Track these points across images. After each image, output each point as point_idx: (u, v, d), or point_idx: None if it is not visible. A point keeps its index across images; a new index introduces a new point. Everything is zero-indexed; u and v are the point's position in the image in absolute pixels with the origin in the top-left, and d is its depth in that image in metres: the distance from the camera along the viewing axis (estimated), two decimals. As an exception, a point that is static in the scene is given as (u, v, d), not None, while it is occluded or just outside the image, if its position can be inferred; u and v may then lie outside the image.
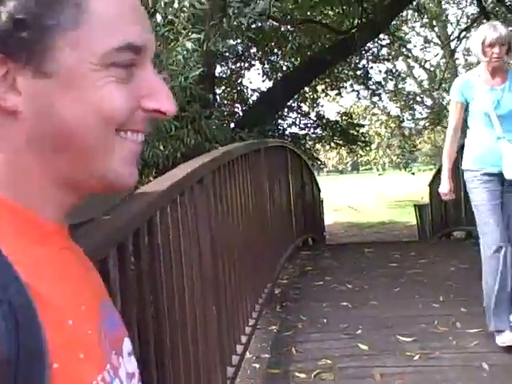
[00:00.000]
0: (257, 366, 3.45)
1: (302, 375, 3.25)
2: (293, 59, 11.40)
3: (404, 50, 17.61)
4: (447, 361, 3.34)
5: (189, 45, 4.80)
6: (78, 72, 0.58)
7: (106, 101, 0.59)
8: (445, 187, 3.71)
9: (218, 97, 9.65)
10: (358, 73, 13.38)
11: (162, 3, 5.15)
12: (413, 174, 18.14)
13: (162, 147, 5.17)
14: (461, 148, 3.94)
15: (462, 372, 3.18)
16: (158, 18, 5.52)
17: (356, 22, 10.60)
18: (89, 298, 0.63)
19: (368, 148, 15.82)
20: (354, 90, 14.96)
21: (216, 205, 2.86)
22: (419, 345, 3.57)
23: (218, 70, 9.62)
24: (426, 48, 21.03)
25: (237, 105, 11.22)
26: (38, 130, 0.59)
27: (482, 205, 3.54)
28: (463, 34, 16.18)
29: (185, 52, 4.80)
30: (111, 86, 0.59)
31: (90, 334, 0.60)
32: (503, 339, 3.38)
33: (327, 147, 15.04)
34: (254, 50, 10.78)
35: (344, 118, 14.18)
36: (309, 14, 10.54)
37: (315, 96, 13.55)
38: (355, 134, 13.37)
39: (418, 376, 3.18)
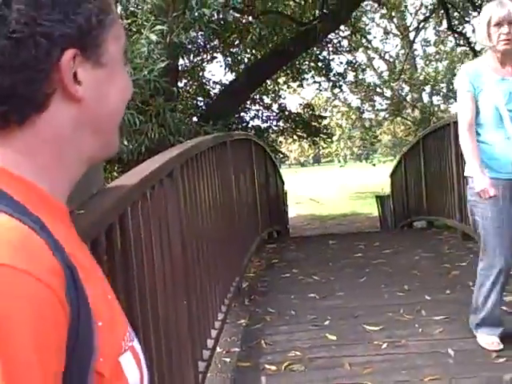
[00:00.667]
0: (227, 359, 3.45)
1: (273, 367, 3.26)
2: (254, 51, 11.37)
3: (364, 41, 17.78)
4: (414, 348, 3.40)
5: (153, 37, 4.74)
6: (117, 61, 0.71)
7: (129, 85, 0.74)
8: (483, 183, 3.02)
9: (180, 90, 9.55)
10: (320, 64, 13.44)
11: (124, -6, 5.08)
12: (374, 165, 18.41)
13: (126, 142, 5.11)
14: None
15: (429, 359, 3.24)
16: (119, 9, 5.43)
17: (317, 12, 10.62)
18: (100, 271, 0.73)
19: (330, 140, 15.94)
20: (315, 82, 15.06)
21: (185, 198, 2.84)
22: (386, 333, 3.62)
23: (180, 62, 9.53)
24: (385, 39, 21.30)
25: (200, 98, 11.14)
26: (91, 115, 0.68)
27: (489, 222, 3.06)
28: (422, 24, 16.42)
29: (148, 44, 4.74)
30: (126, 71, 0.73)
31: (115, 300, 0.70)
32: (489, 342, 3.25)
33: (289, 140, 15.10)
34: (216, 42, 10.72)
35: (306, 110, 14.24)
36: (270, 4, 10.52)
37: (277, 88, 13.57)
38: (317, 126, 13.45)
39: (386, 364, 3.23)
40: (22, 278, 0.55)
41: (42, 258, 0.58)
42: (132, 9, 5.27)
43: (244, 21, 10.61)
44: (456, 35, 13.94)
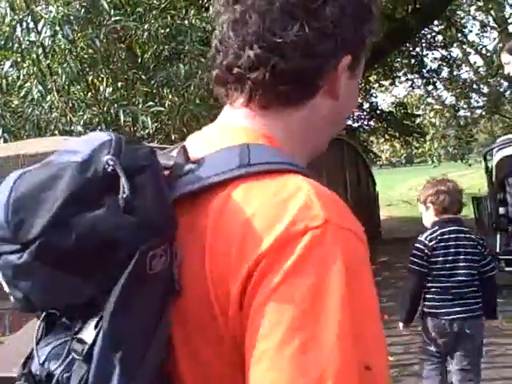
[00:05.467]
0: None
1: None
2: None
3: (459, 35, 17.16)
4: None
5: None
6: (359, 77, 0.82)
7: (357, 100, 0.89)
8: None
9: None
10: (412, 61, 13.12)
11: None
12: (469, 165, 17.71)
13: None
14: None
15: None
16: (212, 12, 5.54)
17: (410, 7, 10.36)
18: None
19: (423, 139, 15.51)
20: (407, 79, 14.70)
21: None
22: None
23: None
24: (482, 33, 20.44)
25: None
26: (337, 113, 0.80)
27: None
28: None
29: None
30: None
31: None
32: None
33: (381, 139, 14.83)
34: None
35: (398, 108, 13.93)
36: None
37: (368, 87, 13.36)
38: (410, 124, 13.13)
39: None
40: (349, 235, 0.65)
41: (353, 217, 0.68)
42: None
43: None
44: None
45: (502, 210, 5.26)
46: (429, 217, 2.89)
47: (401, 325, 2.87)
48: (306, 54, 0.73)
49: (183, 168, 0.70)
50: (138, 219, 0.62)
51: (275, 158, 0.70)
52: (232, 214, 0.65)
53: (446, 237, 2.77)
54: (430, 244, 2.77)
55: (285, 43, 0.72)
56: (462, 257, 2.77)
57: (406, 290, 2.87)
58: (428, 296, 2.78)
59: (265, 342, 0.60)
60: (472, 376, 2.77)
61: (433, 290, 2.76)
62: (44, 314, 0.67)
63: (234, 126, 0.76)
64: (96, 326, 0.61)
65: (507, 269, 4.62)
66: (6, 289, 0.64)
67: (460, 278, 2.74)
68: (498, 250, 5.38)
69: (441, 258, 2.76)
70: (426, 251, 2.77)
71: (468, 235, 2.85)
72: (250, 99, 0.75)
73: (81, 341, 0.62)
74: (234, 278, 0.62)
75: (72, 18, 3.84)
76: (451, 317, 2.71)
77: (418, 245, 2.82)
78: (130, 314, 0.61)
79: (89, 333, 0.62)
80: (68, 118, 3.82)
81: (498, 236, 5.42)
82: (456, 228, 2.82)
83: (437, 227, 2.81)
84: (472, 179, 16.33)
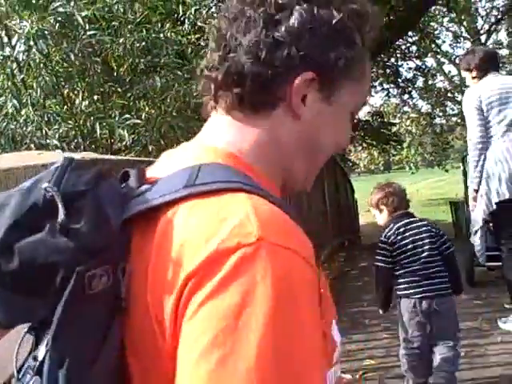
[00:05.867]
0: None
1: (348, 375, 3.22)
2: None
3: (433, 46, 17.42)
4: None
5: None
6: (343, 109, 0.81)
7: (344, 137, 0.85)
8: None
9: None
10: (387, 71, 13.28)
11: (192, 10, 5.19)
12: (446, 171, 17.93)
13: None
14: None
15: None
16: (187, 25, 5.56)
17: (384, 19, 10.51)
18: None
19: (400, 147, 15.67)
20: (383, 89, 14.88)
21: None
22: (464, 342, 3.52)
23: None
24: (455, 43, 20.77)
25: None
26: (307, 138, 0.79)
27: None
28: (493, 26, 15.94)
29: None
30: (348, 125, 0.85)
31: (325, 283, 0.76)
32: None
33: (359, 148, 14.96)
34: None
35: (375, 117, 14.08)
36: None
37: (345, 96, 13.48)
38: (387, 133, 13.27)
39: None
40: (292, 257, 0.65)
41: (300, 237, 0.68)
42: (200, 24, 5.38)
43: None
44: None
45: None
46: (383, 217, 3.21)
47: (380, 311, 3.20)
48: (258, 58, 0.74)
49: (137, 189, 0.73)
50: (74, 242, 0.64)
51: (224, 177, 0.71)
52: (173, 234, 0.67)
53: (402, 229, 3.09)
54: (390, 240, 3.09)
55: (240, 46, 0.75)
56: (420, 242, 3.08)
57: (377, 284, 3.20)
58: (399, 281, 3.07)
59: (186, 355, 0.61)
60: (452, 349, 2.99)
61: (402, 275, 3.07)
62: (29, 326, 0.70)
63: (198, 145, 0.80)
64: (46, 344, 0.63)
65: (487, 264, 4.76)
66: None
67: (423, 260, 3.05)
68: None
69: (403, 248, 3.07)
70: (388, 248, 3.09)
71: (420, 223, 3.17)
72: (216, 101, 0.80)
73: (35, 358, 0.65)
74: (169, 294, 0.64)
75: (46, 32, 3.84)
76: (421, 295, 3.00)
77: (380, 244, 3.14)
78: (72, 332, 0.63)
79: (41, 351, 0.64)
80: (43, 131, 3.81)
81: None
82: (408, 220, 3.15)
83: (392, 224, 3.13)
84: (449, 184, 16.54)
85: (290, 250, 0.64)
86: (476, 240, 4.13)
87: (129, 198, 0.72)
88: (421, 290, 3.00)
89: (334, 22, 0.76)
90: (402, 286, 3.07)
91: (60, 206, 0.65)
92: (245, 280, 0.61)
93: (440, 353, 2.98)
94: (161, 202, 0.69)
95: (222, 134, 0.79)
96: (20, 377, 0.66)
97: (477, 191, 4.02)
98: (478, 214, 4.04)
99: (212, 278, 0.62)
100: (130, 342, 0.67)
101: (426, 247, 3.07)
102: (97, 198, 0.68)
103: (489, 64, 4.02)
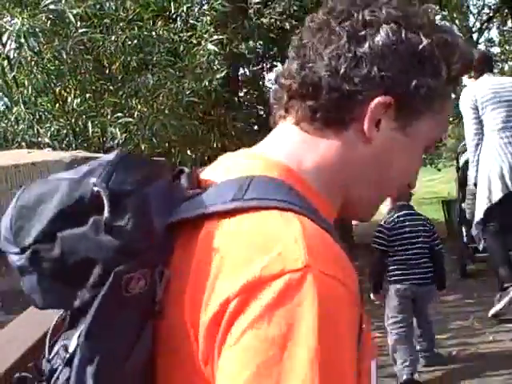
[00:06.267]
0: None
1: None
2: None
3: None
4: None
5: (212, 47, 4.82)
6: (419, 142, 0.77)
7: (414, 172, 0.81)
8: None
9: (241, 99, 9.65)
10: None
11: (184, 8, 5.17)
12: (439, 170, 17.98)
13: (189, 152, 5.21)
14: None
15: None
16: (179, 23, 5.55)
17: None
18: None
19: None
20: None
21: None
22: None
23: (241, 72, 9.62)
24: (447, 42, 20.80)
25: (260, 107, 11.21)
26: (375, 164, 0.76)
27: None
28: (485, 24, 15.99)
29: (208, 55, 4.82)
30: (421, 159, 0.82)
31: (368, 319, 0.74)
32: None
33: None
34: (275, 50, 10.76)
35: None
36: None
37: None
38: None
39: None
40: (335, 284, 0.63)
41: (347, 267, 0.66)
42: (192, 21, 5.36)
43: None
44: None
45: (464, 206, 5.64)
46: (386, 204, 3.41)
47: (372, 295, 3.43)
48: (336, 72, 0.72)
49: (188, 192, 0.72)
50: (116, 241, 0.64)
51: (274, 194, 0.68)
52: (214, 248, 0.66)
53: (402, 218, 3.41)
54: (389, 226, 3.40)
55: (320, 57, 0.73)
56: (414, 234, 3.40)
57: (372, 266, 3.56)
58: (391, 268, 3.40)
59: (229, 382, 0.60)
60: (431, 323, 3.54)
61: (394, 262, 3.40)
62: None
63: (258, 154, 0.77)
64: (79, 336, 0.64)
65: (477, 255, 4.98)
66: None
67: (415, 251, 3.38)
68: (465, 240, 5.76)
69: (399, 236, 3.39)
70: (386, 232, 3.40)
71: (418, 216, 3.52)
72: (287, 111, 0.77)
73: (66, 348, 0.66)
74: (207, 310, 0.63)
75: (38, 30, 3.82)
76: (409, 282, 3.35)
77: (379, 228, 3.46)
78: (105, 331, 0.64)
79: (72, 342, 0.65)
80: (35, 129, 3.79)
81: (464, 229, 5.76)
82: (408, 211, 3.46)
83: (393, 212, 3.43)
84: (441, 183, 16.58)
85: (334, 280, 0.62)
86: (475, 227, 4.25)
87: (177, 202, 0.70)
88: (410, 277, 3.35)
89: (420, 47, 0.73)
90: (394, 273, 3.39)
91: (106, 203, 0.65)
92: (289, 309, 0.60)
93: (421, 327, 3.45)
94: (208, 212, 0.68)
95: (286, 146, 0.76)
96: (50, 358, 0.68)
97: (475, 184, 4.24)
98: (478, 205, 4.18)
99: (256, 302, 0.60)
100: (161, 342, 0.66)
101: (420, 239, 3.39)
102: (143, 198, 0.68)
103: (484, 65, 4.22)
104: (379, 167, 0.76)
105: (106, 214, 0.64)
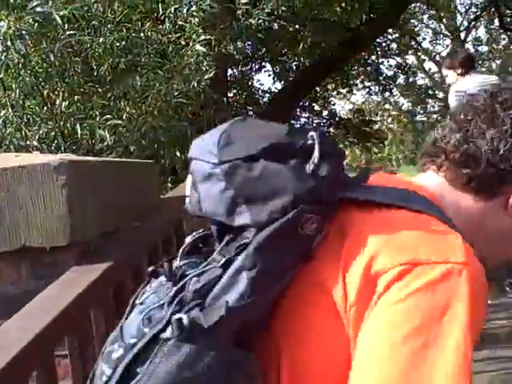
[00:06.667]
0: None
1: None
2: (302, 59, 11.36)
3: (413, 43, 17.52)
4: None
5: (200, 48, 4.81)
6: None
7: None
8: None
9: (230, 100, 9.65)
10: (368, 69, 13.31)
11: (172, 9, 5.15)
12: (428, 168, 18.04)
13: (178, 153, 5.19)
14: None
15: None
16: (167, 24, 5.53)
17: (364, 17, 10.54)
18: None
19: (381, 144, 15.75)
20: (365, 87, 14.90)
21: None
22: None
23: (229, 72, 9.62)
24: (435, 40, 20.91)
25: (249, 107, 11.21)
26: (509, 230, 0.90)
27: None
28: (473, 23, 16.09)
29: (196, 56, 4.81)
30: None
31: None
32: None
33: (340, 146, 15.00)
34: (263, 51, 10.76)
35: (356, 115, 14.11)
36: (316, 12, 10.48)
37: (327, 94, 13.51)
38: (368, 130, 13.31)
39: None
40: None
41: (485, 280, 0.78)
42: (181, 23, 5.34)
43: (291, 29, 10.62)
44: (509, 33, 13.58)
45: None
46: None
47: None
48: (497, 151, 0.86)
49: (358, 180, 0.85)
50: (314, 183, 0.75)
51: (434, 208, 0.83)
52: (381, 229, 0.78)
53: None
54: None
55: (483, 136, 0.87)
56: None
57: None
58: None
59: (387, 333, 0.70)
60: None
61: None
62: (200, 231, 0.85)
63: (410, 182, 0.92)
64: (237, 248, 0.74)
65: None
66: (187, 192, 0.81)
67: None
68: None
69: None
70: None
71: None
72: (439, 168, 0.92)
73: (222, 253, 0.76)
74: (365, 275, 0.74)
75: (25, 32, 3.79)
76: None
77: None
78: (271, 252, 0.73)
79: (229, 250, 0.76)
80: (23, 132, 3.77)
81: None
82: None
83: None
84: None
85: (482, 285, 0.76)
86: None
87: (355, 184, 0.83)
88: None
89: None
90: None
91: (317, 151, 0.76)
92: (451, 287, 0.72)
93: None
94: (378, 201, 0.81)
95: (434, 191, 0.89)
96: (181, 265, 0.80)
97: None
98: None
99: (420, 277, 0.72)
100: (295, 290, 0.77)
101: None
102: (339, 163, 0.81)
103: (471, 63, 4.59)
104: (506, 240, 0.91)
105: (316, 160, 0.76)
